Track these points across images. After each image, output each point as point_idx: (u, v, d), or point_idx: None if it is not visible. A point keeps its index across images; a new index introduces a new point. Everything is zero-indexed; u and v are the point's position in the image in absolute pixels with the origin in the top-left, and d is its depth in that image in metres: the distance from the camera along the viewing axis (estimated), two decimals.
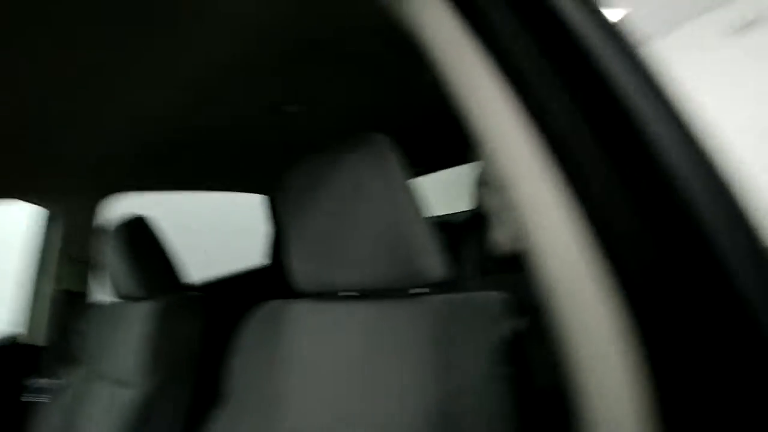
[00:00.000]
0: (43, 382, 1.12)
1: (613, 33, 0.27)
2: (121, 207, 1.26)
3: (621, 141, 0.24)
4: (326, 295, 0.63)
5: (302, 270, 0.62)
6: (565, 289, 0.25)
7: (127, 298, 1.05)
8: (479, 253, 1.32)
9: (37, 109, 0.77)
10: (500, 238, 0.36)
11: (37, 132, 0.87)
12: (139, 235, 1.01)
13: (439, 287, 0.55)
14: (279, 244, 1.95)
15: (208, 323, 1.03)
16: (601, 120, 0.25)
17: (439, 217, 2.10)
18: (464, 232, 1.55)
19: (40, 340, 1.18)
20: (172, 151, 1.19)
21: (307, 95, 1.02)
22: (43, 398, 1.09)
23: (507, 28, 0.28)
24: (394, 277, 0.53)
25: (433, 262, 0.52)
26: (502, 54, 0.28)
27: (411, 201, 0.53)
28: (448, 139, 1.48)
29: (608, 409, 0.22)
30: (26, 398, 1.09)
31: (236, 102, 0.96)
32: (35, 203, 1.18)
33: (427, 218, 0.54)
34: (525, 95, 0.27)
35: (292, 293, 0.65)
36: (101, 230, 1.05)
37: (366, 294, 0.59)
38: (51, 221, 1.20)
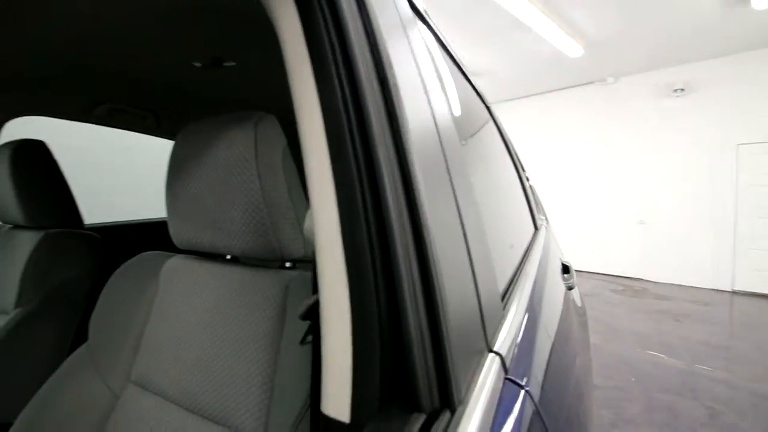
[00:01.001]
0: None
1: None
2: (25, 130, 1.18)
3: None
4: (198, 254, 0.67)
5: (177, 228, 0.66)
6: (326, 272, 0.33)
7: (13, 224, 1.01)
8: None
9: None
10: (308, 230, 0.43)
11: None
12: (33, 160, 0.97)
13: (304, 263, 0.62)
14: None
15: (102, 264, 1.02)
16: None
17: None
18: None
19: None
20: (95, 81, 1.13)
21: (238, 55, 1.01)
22: None
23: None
24: (258, 249, 0.58)
25: (295, 243, 0.58)
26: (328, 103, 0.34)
27: (283, 183, 0.57)
28: None
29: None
30: None
31: (171, 47, 0.93)
32: None
33: (300, 202, 0.59)
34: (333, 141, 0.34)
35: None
36: None
37: (232, 259, 0.64)
38: None
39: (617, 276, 5.35)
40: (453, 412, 0.31)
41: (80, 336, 0.97)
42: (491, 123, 1.24)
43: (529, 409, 0.39)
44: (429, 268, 0.32)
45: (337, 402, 0.31)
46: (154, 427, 0.59)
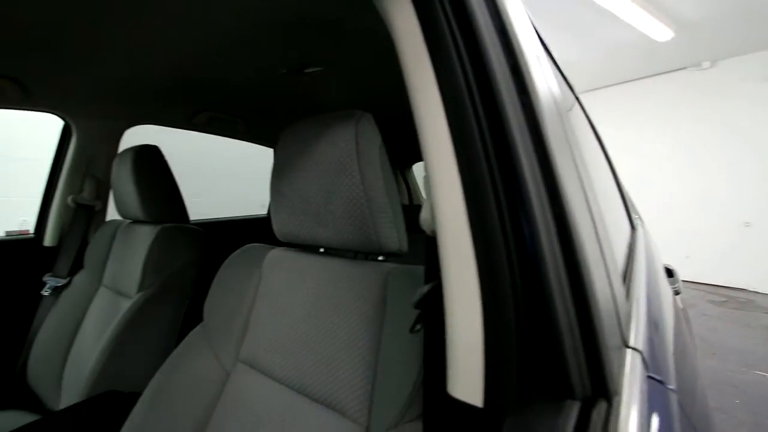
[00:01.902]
0: (54, 279, 1.26)
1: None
2: (140, 137, 1.35)
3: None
4: (299, 246, 0.71)
5: (281, 222, 0.70)
6: (452, 261, 0.33)
7: (133, 219, 1.16)
8: None
9: (81, 30, 0.85)
10: (425, 219, 0.43)
11: (80, 52, 0.94)
12: (151, 163, 1.10)
13: (394, 257, 0.63)
14: None
15: (204, 256, 1.13)
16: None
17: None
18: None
19: (55, 243, 1.32)
20: (195, 92, 1.26)
21: (324, 60, 1.06)
22: (54, 293, 1.24)
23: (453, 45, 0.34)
24: (357, 242, 0.60)
25: (392, 237, 0.59)
26: (448, 83, 0.34)
27: (382, 179, 0.59)
28: None
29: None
30: (44, 291, 1.24)
31: (259, 57, 1.01)
32: (68, 120, 1.27)
33: (394, 197, 0.61)
34: (455, 122, 0.33)
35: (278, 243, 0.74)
36: (120, 155, 1.14)
37: (332, 251, 0.67)
38: (79, 140, 1.30)
39: (716, 285, 4.71)
40: (609, 401, 0.29)
41: (188, 317, 1.08)
42: (583, 115, 1.17)
43: (676, 409, 0.36)
44: (576, 255, 0.30)
45: (467, 385, 0.31)
46: (262, 404, 0.64)
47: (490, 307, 0.30)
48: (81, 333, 1.13)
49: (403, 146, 1.68)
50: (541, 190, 0.31)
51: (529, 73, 0.36)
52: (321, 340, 0.60)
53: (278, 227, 0.71)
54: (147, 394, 0.73)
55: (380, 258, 0.63)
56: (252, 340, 0.70)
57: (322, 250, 0.71)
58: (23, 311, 1.26)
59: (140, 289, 0.99)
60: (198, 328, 0.76)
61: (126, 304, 1.02)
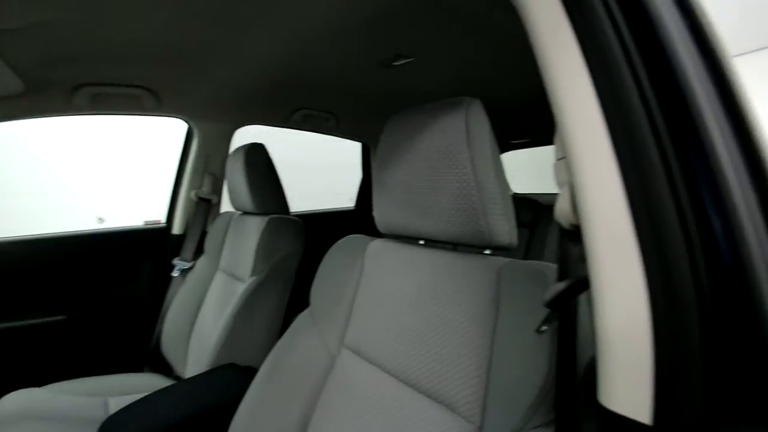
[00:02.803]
0: (180, 263, 1.46)
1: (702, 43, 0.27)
2: (248, 135, 1.48)
3: (681, 145, 0.26)
4: (402, 238, 0.71)
5: (384, 213, 0.71)
6: (606, 257, 0.29)
7: (244, 211, 1.28)
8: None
9: (200, 45, 0.96)
10: (562, 210, 0.39)
11: (200, 64, 1.07)
12: (258, 159, 1.20)
13: (505, 251, 0.60)
14: (366, 190, 2.12)
15: (304, 244, 1.21)
16: (669, 121, 0.27)
17: (525, 194, 2.04)
18: (544, 212, 1.53)
19: (182, 231, 1.52)
20: (293, 91, 1.35)
21: (415, 50, 1.05)
22: (182, 274, 1.44)
23: (600, 18, 0.30)
24: (466, 234, 0.58)
25: (503, 230, 0.56)
26: (593, 42, 0.30)
27: (493, 169, 0.56)
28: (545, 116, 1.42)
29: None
30: (173, 273, 1.45)
31: (350, 52, 1.04)
32: (190, 124, 1.46)
33: (505, 187, 0.57)
34: (604, 84, 0.29)
35: (371, 234, 0.75)
36: (233, 153, 1.26)
37: (438, 244, 0.66)
38: (199, 141, 1.48)
39: None
40: None
41: (291, 302, 1.17)
42: None
43: None
44: None
45: (630, 397, 0.27)
46: (369, 390, 0.66)
47: (664, 311, 0.26)
48: (202, 310, 1.29)
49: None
50: (741, 171, 0.26)
51: (709, 24, 0.30)
52: (427, 333, 0.60)
53: (380, 218, 0.72)
54: (262, 371, 0.79)
55: (487, 252, 0.61)
56: (356, 327, 0.73)
57: (422, 242, 0.70)
58: (159, 289, 1.48)
59: (252, 274, 1.09)
60: (305, 312, 0.81)
61: (240, 287, 1.13)
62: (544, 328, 0.42)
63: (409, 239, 0.72)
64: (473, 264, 0.59)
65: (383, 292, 0.70)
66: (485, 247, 0.59)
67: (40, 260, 1.32)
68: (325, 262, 0.81)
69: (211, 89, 1.28)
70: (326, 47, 1.00)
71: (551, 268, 0.49)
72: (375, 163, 0.73)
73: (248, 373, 0.97)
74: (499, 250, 0.60)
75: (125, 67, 1.11)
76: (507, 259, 0.57)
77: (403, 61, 1.13)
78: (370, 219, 2.03)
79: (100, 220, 4.11)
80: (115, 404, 1.10)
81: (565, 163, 0.36)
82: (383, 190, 0.70)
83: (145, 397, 0.86)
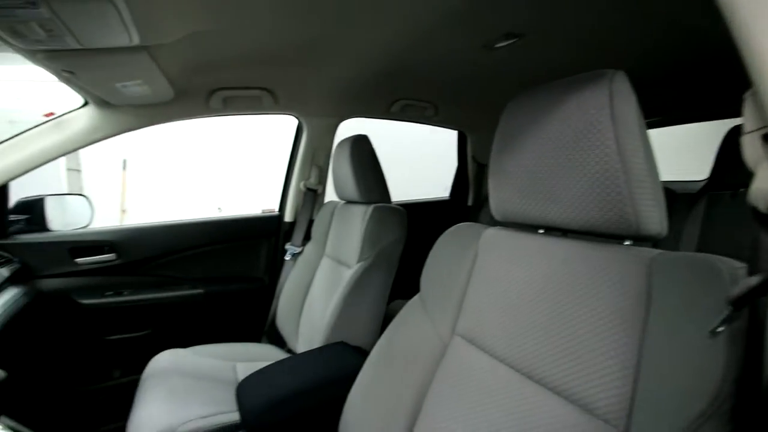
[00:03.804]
0: (291, 248, 1.60)
1: None
2: (351, 128, 1.55)
3: None
4: (520, 226, 0.67)
5: (502, 200, 0.68)
6: None
7: (348, 200, 1.35)
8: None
9: (312, 46, 1.03)
10: (760, 191, 0.32)
11: (311, 63, 1.15)
12: (363, 150, 1.25)
13: (651, 242, 0.53)
14: (461, 180, 2.07)
15: (407, 232, 1.23)
16: None
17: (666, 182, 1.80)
18: (678, 202, 1.32)
19: (293, 219, 1.67)
20: (393, 83, 1.38)
21: (528, 26, 0.98)
22: (293, 258, 1.58)
23: None
24: (605, 222, 0.53)
25: (653, 217, 0.50)
26: None
27: (641, 148, 0.50)
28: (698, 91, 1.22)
29: None
30: (286, 256, 1.60)
31: (455, 35, 1.01)
32: (301, 119, 1.58)
33: (655, 169, 0.50)
34: None
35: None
36: (339, 144, 1.34)
37: (569, 233, 0.61)
38: (308, 135, 1.60)
39: None
40: None
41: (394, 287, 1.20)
42: None
43: None
44: None
45: None
46: (485, 380, 0.64)
47: None
48: (311, 292, 1.40)
49: None
50: None
51: None
52: (556, 327, 0.56)
53: (497, 206, 0.70)
54: (374, 353, 0.83)
55: (627, 242, 0.54)
56: (469, 315, 0.71)
57: (541, 231, 0.66)
58: (274, 270, 1.65)
59: (359, 259, 1.15)
60: (415, 298, 0.83)
61: (346, 272, 1.20)
62: (721, 329, 0.36)
63: (528, 228, 0.68)
64: (614, 255, 0.53)
65: (500, 282, 0.67)
66: (629, 237, 0.53)
67: (179, 242, 1.56)
68: (436, 249, 0.81)
69: (320, 85, 1.37)
70: (431, 33, 0.99)
71: (725, 261, 0.42)
72: (493, 149, 0.70)
73: (358, 352, 1.03)
74: (643, 240, 0.53)
75: (250, 71, 1.24)
76: (657, 251, 0.50)
77: (510, 41, 1.06)
78: (466, 209, 1.98)
79: (219, 209, 4.71)
80: (242, 369, 1.26)
81: (760, 136, 0.30)
82: (502, 176, 0.67)
83: (272, 365, 0.97)
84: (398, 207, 1.22)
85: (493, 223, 0.76)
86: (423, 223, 1.46)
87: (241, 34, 0.96)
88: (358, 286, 1.12)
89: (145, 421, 0.95)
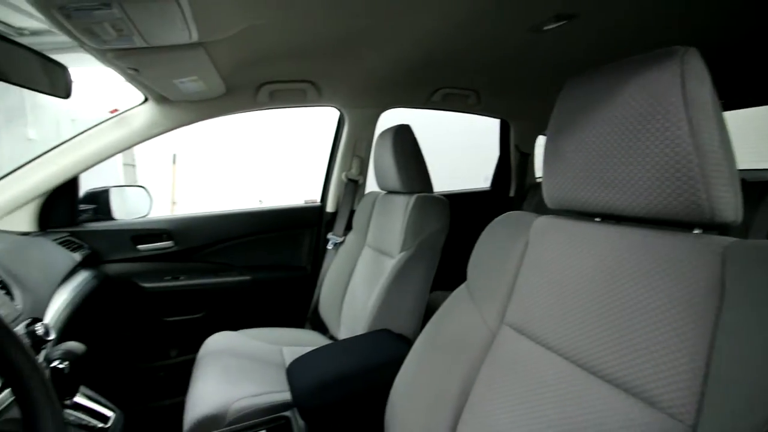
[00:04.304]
0: (333, 237, 1.64)
1: None
2: (392, 118, 1.56)
3: None
4: (578, 214, 0.65)
5: (556, 187, 0.66)
6: None
7: (390, 191, 1.36)
8: None
9: (355, 38, 1.03)
10: None
11: (354, 55, 1.16)
12: (406, 140, 1.24)
13: (720, 231, 0.49)
14: (503, 170, 2.02)
15: (449, 222, 1.22)
16: None
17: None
18: (762, 193, 1.22)
19: (334, 209, 1.70)
20: (434, 71, 1.36)
21: (583, 5, 0.93)
22: (335, 248, 1.62)
23: None
24: (674, 209, 0.50)
25: (729, 203, 0.46)
26: None
27: (717, 130, 0.46)
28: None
29: None
30: (328, 246, 1.64)
31: (500, 19, 0.98)
32: (342, 111, 1.60)
33: (731, 153, 0.47)
34: None
35: None
36: (381, 135, 1.34)
37: (629, 221, 0.58)
38: (349, 126, 1.62)
39: None
40: None
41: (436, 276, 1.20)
42: None
43: None
44: None
45: None
46: (537, 371, 0.63)
47: None
48: (353, 281, 1.42)
49: None
50: None
51: None
52: (614, 317, 0.54)
53: (551, 193, 0.67)
54: (421, 341, 0.83)
55: (697, 231, 0.51)
56: (519, 305, 0.70)
57: (597, 219, 0.63)
58: (316, 259, 1.70)
59: (402, 249, 1.15)
60: (462, 286, 0.82)
61: (388, 261, 1.21)
62: None
63: (584, 216, 0.65)
64: (682, 244, 0.50)
65: (553, 271, 0.65)
66: (699, 224, 0.50)
67: (229, 231, 1.64)
68: (484, 237, 0.80)
69: (361, 76, 1.37)
70: (476, 16, 0.96)
71: None
72: (548, 133, 0.68)
73: (402, 340, 1.04)
74: (715, 228, 0.50)
75: (295, 65, 1.27)
76: (731, 239, 0.47)
77: (561, 23, 1.02)
78: (508, 200, 1.94)
79: (260, 201, 4.90)
80: (288, 352, 1.31)
81: None
82: (556, 162, 0.65)
83: (320, 348, 1.00)
84: (441, 197, 1.21)
85: (539, 213, 0.74)
86: (463, 214, 1.44)
87: (289, 28, 0.98)
88: (400, 275, 1.13)
89: (202, 397, 1.02)
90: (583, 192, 0.61)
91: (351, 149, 1.64)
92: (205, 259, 1.60)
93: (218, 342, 1.33)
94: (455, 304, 0.81)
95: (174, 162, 5.17)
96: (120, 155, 1.33)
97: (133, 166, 5.05)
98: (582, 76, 0.62)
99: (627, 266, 0.55)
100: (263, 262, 1.68)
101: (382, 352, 0.94)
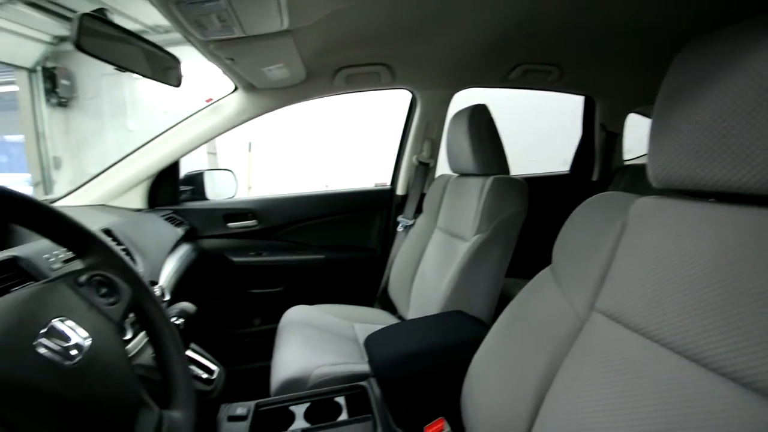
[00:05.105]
0: (403, 220, 1.66)
1: None
2: (465, 99, 1.52)
3: None
4: (689, 194, 0.59)
5: (665, 163, 0.60)
6: None
7: (463, 173, 1.33)
8: None
9: (428, 18, 1.01)
10: None
11: (427, 35, 1.14)
12: (482, 120, 1.21)
13: None
14: (586, 151, 1.87)
15: (527, 205, 1.16)
16: None
17: None
18: None
19: (404, 192, 1.72)
20: (512, 47, 1.29)
21: None
22: (405, 230, 1.64)
23: None
24: None
25: None
26: None
27: None
28: None
29: None
30: (398, 228, 1.66)
31: None
32: (415, 93, 1.60)
33: None
34: None
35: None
36: (455, 115, 1.31)
37: (748, 201, 0.51)
38: (422, 108, 1.61)
39: None
40: None
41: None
42: None
43: None
44: None
45: None
46: (634, 363, 0.59)
47: None
48: (423, 263, 1.43)
49: None
50: None
51: None
52: (736, 308, 0.48)
53: (658, 171, 0.61)
54: (500, 323, 0.82)
55: None
56: (613, 291, 0.65)
57: (711, 200, 0.56)
58: (386, 241, 1.73)
59: (477, 232, 1.13)
60: (546, 270, 0.79)
61: (461, 245, 1.20)
62: None
63: (695, 196, 0.59)
64: None
65: (657, 255, 0.60)
66: None
67: (305, 212, 1.73)
68: (574, 219, 0.76)
69: (435, 57, 1.35)
70: None
71: None
72: (656, 107, 0.62)
73: (477, 322, 1.04)
74: None
75: (371, 48, 1.28)
76: None
77: None
78: (590, 185, 1.80)
79: (326, 186, 5.10)
80: (360, 328, 1.37)
81: None
82: (665, 138, 0.59)
83: (395, 325, 1.03)
84: (519, 178, 1.16)
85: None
86: (539, 200, 1.37)
87: (369, 10, 0.99)
88: (475, 258, 1.11)
89: (286, 362, 1.11)
90: (697, 169, 0.55)
91: (422, 132, 1.63)
92: (285, 237, 1.72)
93: (297, 314, 1.43)
94: (539, 288, 0.78)
95: (249, 150, 5.56)
96: (204, 145, 1.46)
97: (215, 154, 5.52)
98: (698, 42, 0.55)
99: (744, 250, 0.49)
100: (336, 242, 1.76)
101: (459, 332, 0.94)
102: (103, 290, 0.49)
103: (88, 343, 0.41)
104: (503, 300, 1.02)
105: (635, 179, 1.76)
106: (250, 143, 5.52)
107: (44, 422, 0.35)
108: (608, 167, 1.77)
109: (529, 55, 1.41)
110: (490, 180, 1.15)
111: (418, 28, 1.13)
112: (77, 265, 0.53)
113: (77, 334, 0.41)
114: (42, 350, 0.37)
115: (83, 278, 0.48)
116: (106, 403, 0.41)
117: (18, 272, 0.66)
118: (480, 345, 0.83)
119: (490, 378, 0.79)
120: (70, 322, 0.41)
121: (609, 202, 0.72)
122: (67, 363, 0.38)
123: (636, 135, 1.88)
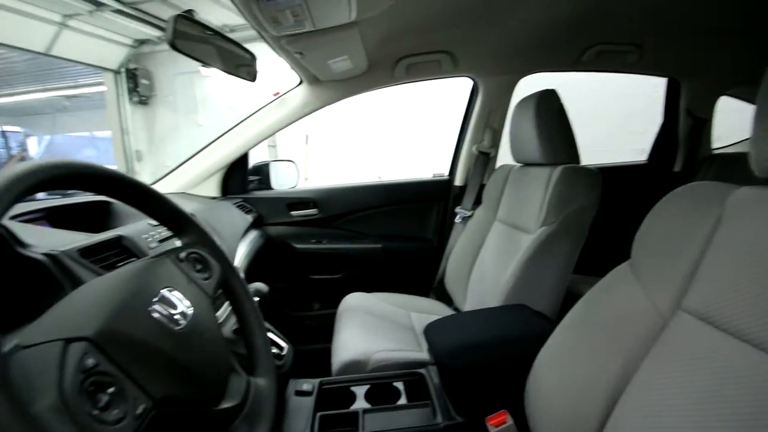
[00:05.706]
0: (462, 211, 1.63)
1: None
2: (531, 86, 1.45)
3: None
4: None
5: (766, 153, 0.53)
6: None
7: (528, 162, 1.28)
8: None
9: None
10: None
11: (490, 19, 1.10)
12: (551, 106, 1.14)
13: None
14: (667, 138, 1.70)
15: (601, 196, 1.09)
16: None
17: None
18: None
19: (463, 183, 1.69)
20: (583, 27, 1.21)
21: None
22: (463, 221, 1.61)
23: None
24: None
25: None
26: None
27: None
28: None
29: None
30: (456, 219, 1.65)
31: None
32: (476, 81, 1.56)
33: None
34: None
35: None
36: (520, 102, 1.26)
37: None
38: (483, 96, 1.56)
39: None
40: None
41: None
42: None
43: None
44: None
45: None
46: (729, 368, 0.54)
47: None
48: (481, 255, 1.40)
49: None
50: None
51: None
52: None
53: (759, 159, 0.55)
54: (570, 318, 0.78)
55: None
56: (704, 290, 0.60)
57: None
58: (443, 232, 1.72)
59: (543, 224, 1.08)
60: (623, 265, 0.74)
61: (524, 237, 1.16)
62: None
63: None
64: None
65: (761, 254, 0.54)
66: None
67: (364, 201, 1.77)
68: (658, 211, 0.70)
69: (498, 42, 1.30)
70: None
71: None
72: (763, 88, 0.55)
73: (542, 317, 1.00)
74: None
75: (432, 35, 1.26)
76: None
77: None
78: (672, 176, 1.65)
79: (379, 178, 5.15)
80: (416, 318, 1.38)
81: None
82: None
83: (455, 315, 1.03)
84: (592, 168, 1.09)
85: None
86: (613, 192, 1.27)
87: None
88: (540, 252, 1.07)
89: (347, 345, 1.15)
90: None
91: (484, 120, 1.59)
92: (344, 226, 1.77)
93: (355, 300, 1.47)
94: (615, 284, 0.74)
95: (306, 142, 5.76)
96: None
97: (275, 146, 5.80)
98: None
99: None
100: (393, 232, 1.78)
101: (523, 326, 0.92)
102: (198, 266, 0.55)
103: (191, 311, 0.47)
104: (569, 297, 0.97)
105: (725, 170, 1.57)
106: (307, 136, 5.73)
107: (153, 374, 0.40)
108: (694, 157, 1.59)
109: (605, 35, 1.31)
110: (558, 169, 1.09)
111: (484, 9, 1.10)
112: (173, 243, 0.59)
113: (182, 304, 0.46)
114: (156, 315, 0.43)
115: (183, 254, 0.53)
116: (205, 365, 0.46)
117: (122, 250, 0.75)
118: (545, 341, 0.81)
119: (557, 375, 0.76)
120: (176, 293, 0.47)
121: (702, 193, 0.65)
122: (175, 327, 0.44)
123: (729, 120, 1.68)
